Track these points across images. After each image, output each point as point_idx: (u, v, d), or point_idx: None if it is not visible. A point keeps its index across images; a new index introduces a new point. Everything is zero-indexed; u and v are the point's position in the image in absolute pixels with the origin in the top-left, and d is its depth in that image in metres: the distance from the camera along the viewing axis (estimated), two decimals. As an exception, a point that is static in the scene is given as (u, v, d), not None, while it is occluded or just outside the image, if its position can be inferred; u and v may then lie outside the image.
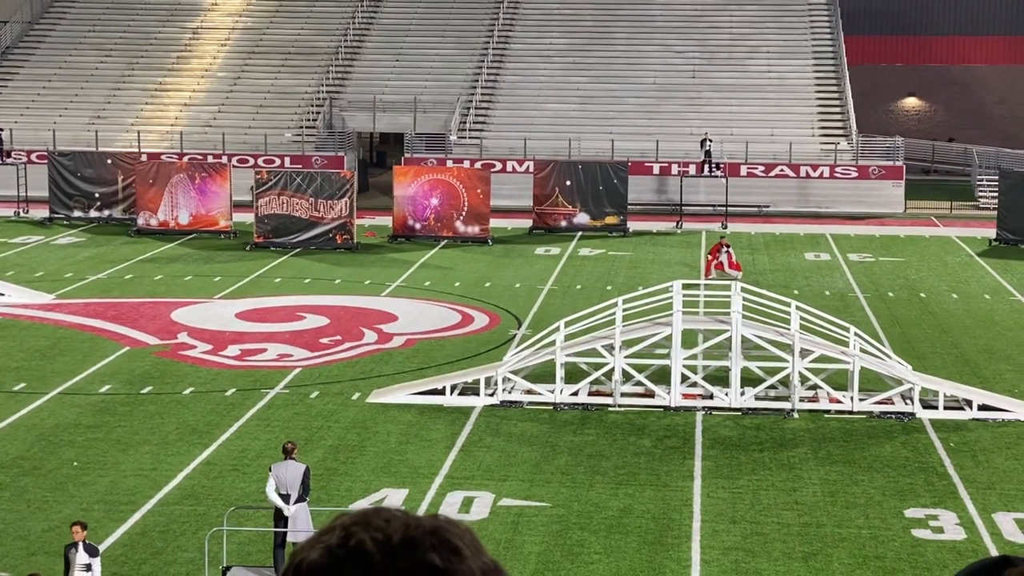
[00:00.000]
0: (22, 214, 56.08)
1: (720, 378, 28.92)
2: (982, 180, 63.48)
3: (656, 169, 60.03)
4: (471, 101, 65.22)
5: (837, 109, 64.49)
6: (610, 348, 28.60)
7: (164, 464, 24.79)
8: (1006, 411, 28.27)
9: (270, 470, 20.67)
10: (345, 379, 30.91)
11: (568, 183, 53.47)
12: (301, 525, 20.09)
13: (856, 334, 28.76)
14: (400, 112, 64.87)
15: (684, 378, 28.58)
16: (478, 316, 37.86)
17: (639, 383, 28.76)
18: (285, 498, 20.19)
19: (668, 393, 28.55)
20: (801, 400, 28.51)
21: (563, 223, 53.43)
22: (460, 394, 28.86)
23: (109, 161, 54.39)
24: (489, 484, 23.91)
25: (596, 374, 28.72)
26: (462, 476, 24.35)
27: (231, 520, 20.94)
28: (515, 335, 35.10)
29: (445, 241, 50.54)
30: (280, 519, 20.25)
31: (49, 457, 25.15)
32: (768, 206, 59.15)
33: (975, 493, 23.75)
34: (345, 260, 46.91)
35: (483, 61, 67.93)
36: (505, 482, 24.01)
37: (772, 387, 28.60)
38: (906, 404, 28.33)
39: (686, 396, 28.74)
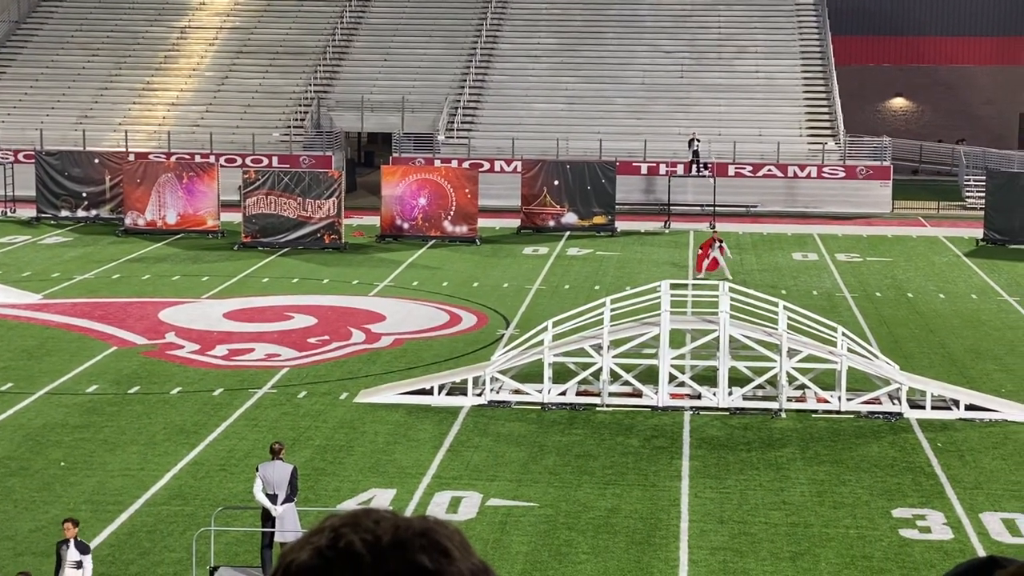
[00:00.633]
0: (9, 214, 55.97)
1: (708, 378, 28.94)
2: (969, 180, 63.61)
3: (644, 169, 60.05)
4: (459, 101, 65.20)
5: (825, 109, 64.58)
6: (598, 348, 28.60)
7: (152, 464, 24.76)
8: (993, 411, 28.30)
9: (257, 470, 20.65)
10: (333, 379, 30.89)
11: (556, 183, 53.48)
12: (289, 525, 20.07)
13: (844, 334, 28.79)
14: (388, 112, 64.83)
15: (672, 378, 28.58)
16: (466, 316, 37.85)
17: (627, 383, 28.77)
18: (272, 498, 20.16)
19: (656, 393, 28.56)
20: (789, 400, 28.54)
21: (551, 223, 53.43)
22: (448, 394, 28.84)
23: (96, 161, 54.26)
24: (477, 484, 23.91)
25: (584, 374, 28.71)
26: (450, 476, 24.34)
27: (219, 520, 20.91)
28: (503, 335, 35.11)
29: (433, 241, 50.51)
30: (268, 519, 20.22)
31: (36, 457, 25.11)
32: (756, 206, 59.22)
33: (962, 493, 23.79)
34: (333, 260, 46.87)
35: (471, 61, 67.91)
36: (493, 482, 24.01)
37: (760, 387, 28.63)
38: (893, 404, 28.37)
39: (674, 396, 28.75)
